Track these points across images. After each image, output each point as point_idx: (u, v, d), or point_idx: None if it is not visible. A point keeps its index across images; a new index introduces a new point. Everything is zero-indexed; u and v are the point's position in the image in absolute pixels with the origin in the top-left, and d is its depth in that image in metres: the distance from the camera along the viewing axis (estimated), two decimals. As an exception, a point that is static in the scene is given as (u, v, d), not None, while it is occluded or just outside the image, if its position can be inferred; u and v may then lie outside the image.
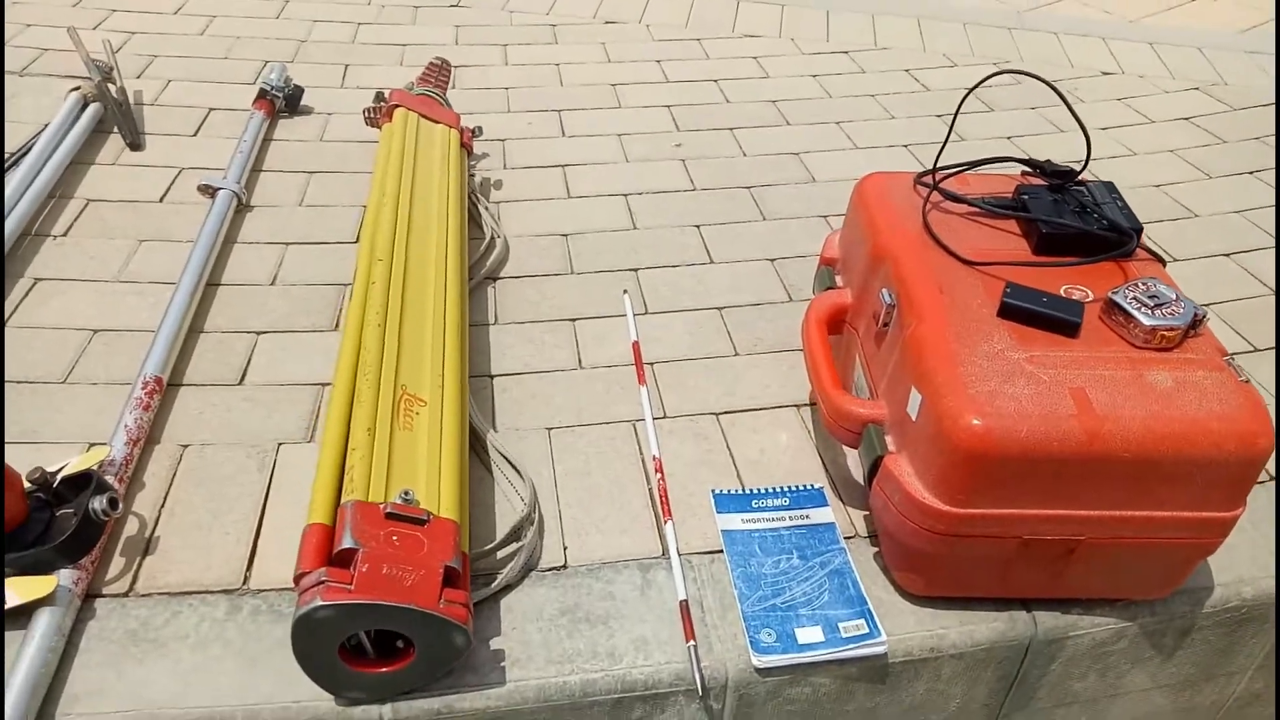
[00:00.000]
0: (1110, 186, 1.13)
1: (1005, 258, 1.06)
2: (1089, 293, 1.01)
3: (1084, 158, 1.09)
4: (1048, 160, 1.17)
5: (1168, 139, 2.05)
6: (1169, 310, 0.95)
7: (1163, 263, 1.08)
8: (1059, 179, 1.14)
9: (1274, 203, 1.82)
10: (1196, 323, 0.95)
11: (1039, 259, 1.06)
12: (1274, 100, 2.24)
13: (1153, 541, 0.95)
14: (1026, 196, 1.12)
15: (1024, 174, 1.20)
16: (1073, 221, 1.07)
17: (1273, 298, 1.56)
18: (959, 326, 0.96)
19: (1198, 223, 1.76)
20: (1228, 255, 1.67)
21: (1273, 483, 1.22)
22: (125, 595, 1.01)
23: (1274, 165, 1.95)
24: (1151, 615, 1.07)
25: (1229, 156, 1.99)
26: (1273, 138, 2.07)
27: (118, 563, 1.04)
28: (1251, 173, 1.93)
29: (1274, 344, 1.45)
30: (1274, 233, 1.73)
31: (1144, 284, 0.98)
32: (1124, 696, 1.17)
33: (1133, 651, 1.10)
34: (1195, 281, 1.58)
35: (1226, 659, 1.17)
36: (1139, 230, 1.07)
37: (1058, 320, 0.96)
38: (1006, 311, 0.97)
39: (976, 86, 1.21)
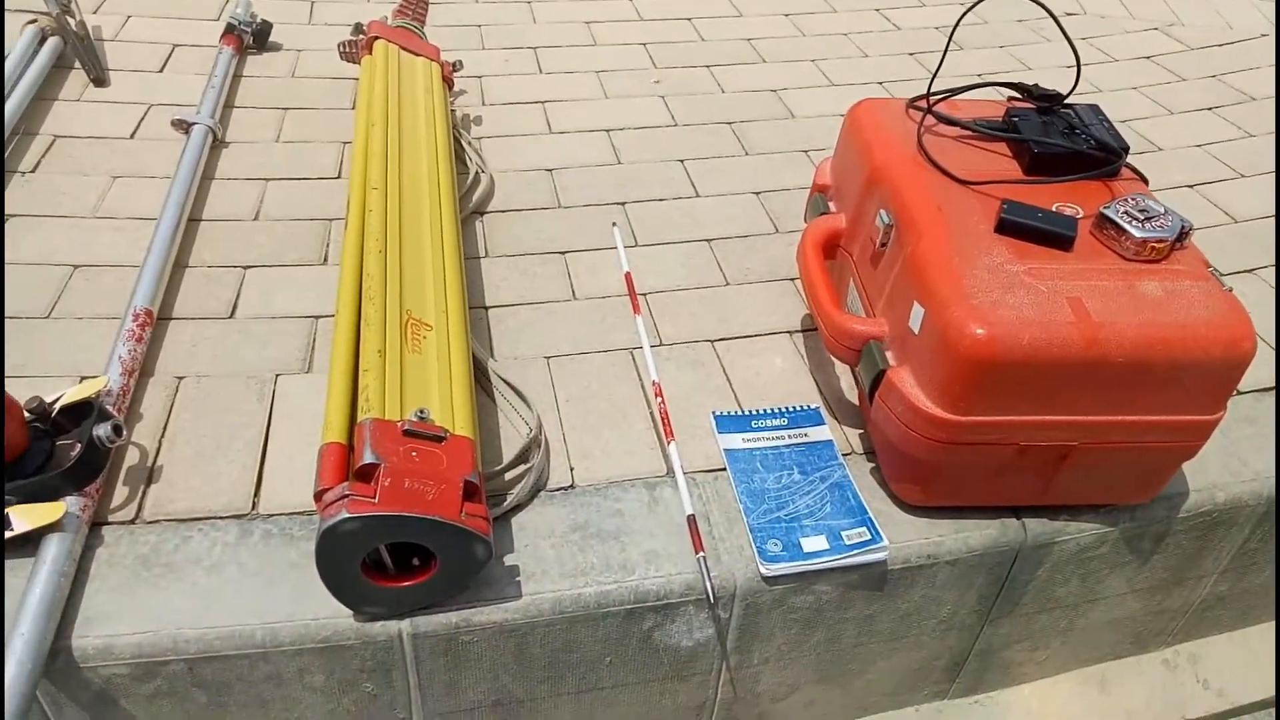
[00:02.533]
0: (1096, 109, 1.16)
1: (999, 177, 1.09)
2: (1079, 210, 1.04)
3: (1069, 84, 1.12)
4: (1035, 84, 1.20)
5: (1131, 77, 2.10)
6: (1158, 223, 0.98)
7: (1146, 181, 1.12)
8: (1047, 102, 1.16)
9: (1250, 136, 1.89)
10: (1183, 235, 0.99)
11: (1031, 177, 1.09)
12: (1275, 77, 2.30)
13: (1141, 445, 0.99)
14: (1016, 119, 1.15)
15: (1011, 99, 1.23)
16: (1062, 141, 1.10)
17: (1235, 226, 1.62)
18: (959, 243, 0.99)
19: (1162, 156, 1.81)
20: (1191, 186, 1.72)
21: (1245, 395, 1.28)
22: (132, 522, 1.00)
23: (1273, 131, 2.01)
24: (1132, 520, 1.13)
25: (1189, 93, 2.04)
26: (1228, 75, 2.13)
27: (121, 492, 1.03)
28: (1210, 109, 1.99)
29: (1251, 267, 1.51)
30: (1275, 191, 1.79)
31: (1133, 199, 1.02)
32: (1101, 601, 1.23)
33: (1113, 556, 1.16)
34: (1163, 212, 1.63)
35: (1196, 563, 1.23)
36: (1126, 149, 1.10)
37: (1053, 234, 0.99)
38: (1004, 227, 1.00)
39: (970, 9, 1.23)
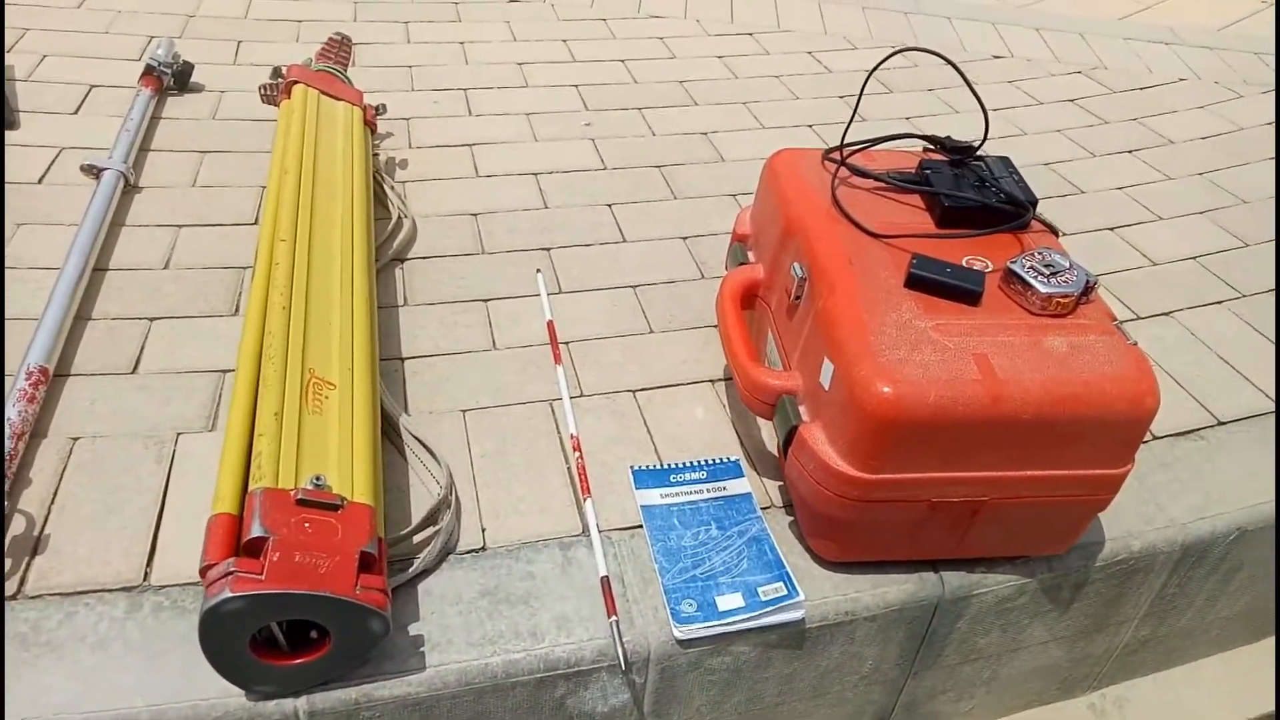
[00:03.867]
0: (1006, 161, 1.18)
1: (910, 230, 1.09)
2: (989, 263, 1.05)
3: (980, 136, 1.13)
4: (948, 136, 1.21)
5: (1055, 119, 2.15)
6: (1063, 278, 0.99)
7: (1056, 234, 1.13)
8: (959, 154, 1.17)
9: (1168, 179, 1.93)
10: (1088, 290, 1.00)
11: (942, 231, 1.09)
12: (1274, 89, 2.35)
13: (1051, 499, 0.99)
14: (929, 171, 1.15)
15: (925, 150, 1.24)
16: (972, 195, 1.11)
17: (1153, 268, 1.65)
18: (868, 297, 0.99)
19: (1083, 199, 1.85)
20: (1111, 229, 1.75)
21: (1161, 439, 1.29)
22: (13, 598, 0.95)
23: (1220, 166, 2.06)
24: (1049, 571, 1.12)
25: (1111, 136, 2.09)
26: (1149, 118, 2.18)
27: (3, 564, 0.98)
28: (1130, 151, 2.04)
29: (1168, 310, 1.54)
30: (1275, 210, 1.83)
31: (1040, 253, 1.02)
32: (1024, 650, 1.22)
33: (1032, 606, 1.15)
34: (1083, 254, 1.64)
35: (1116, 609, 1.24)
36: (1034, 203, 1.11)
37: (961, 290, 0.99)
38: (913, 282, 1.00)
39: (881, 63, 1.24)
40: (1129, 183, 1.91)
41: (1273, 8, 2.88)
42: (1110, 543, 1.15)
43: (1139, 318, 1.53)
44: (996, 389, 0.90)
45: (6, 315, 1.27)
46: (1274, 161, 2.02)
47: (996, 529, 1.02)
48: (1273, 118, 2.21)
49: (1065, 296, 0.98)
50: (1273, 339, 1.49)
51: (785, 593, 1.02)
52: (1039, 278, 0.99)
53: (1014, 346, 0.94)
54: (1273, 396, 1.38)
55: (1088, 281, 1.00)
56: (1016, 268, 1.00)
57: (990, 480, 0.96)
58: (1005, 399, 0.90)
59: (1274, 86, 2.33)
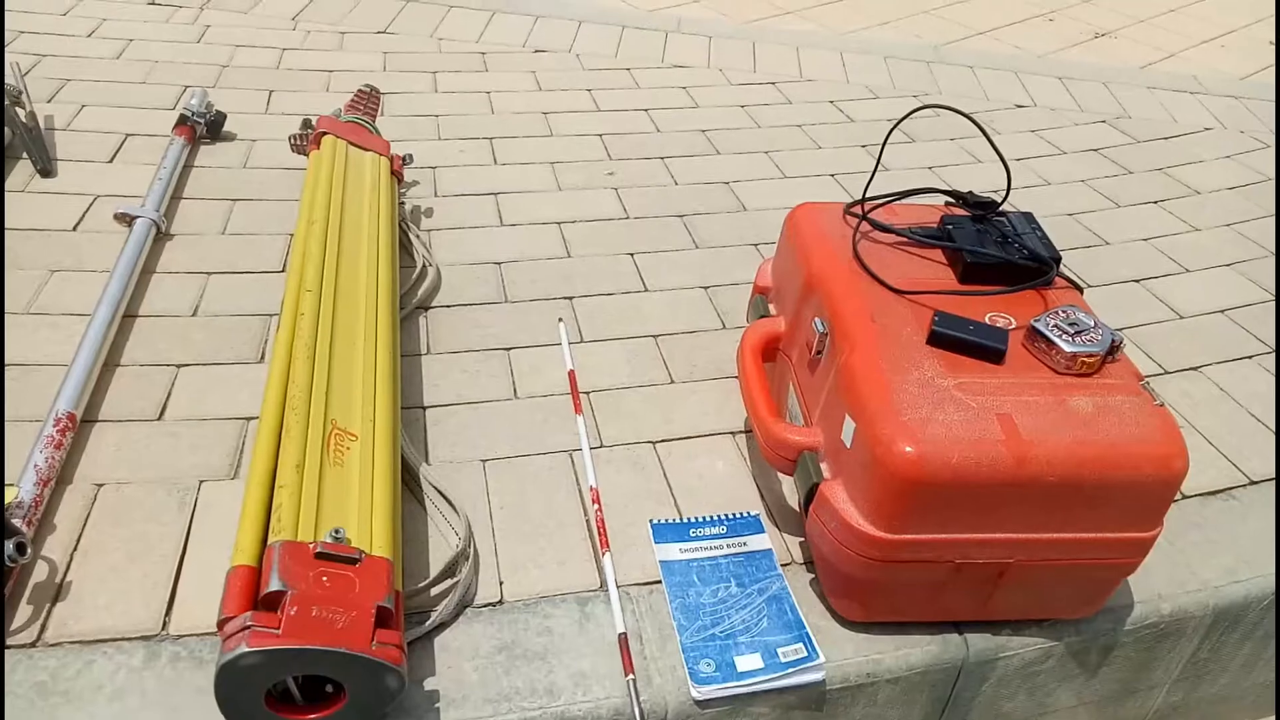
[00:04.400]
0: (1029, 217, 1.17)
1: (932, 286, 1.09)
2: (1012, 320, 1.04)
3: (1003, 188, 1.13)
4: (970, 191, 1.21)
5: (1079, 169, 2.14)
6: (1088, 337, 0.98)
7: (1080, 290, 1.12)
8: (981, 210, 1.17)
9: (1195, 230, 1.92)
10: (1114, 349, 0.99)
11: (964, 288, 1.09)
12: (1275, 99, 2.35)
13: (1077, 562, 0.97)
14: (951, 226, 1.15)
15: (948, 204, 1.24)
16: (995, 251, 1.10)
17: (1179, 322, 1.63)
18: (890, 354, 0.98)
19: (1109, 250, 1.84)
20: (1138, 281, 1.74)
21: (1190, 499, 1.27)
22: (33, 645, 0.95)
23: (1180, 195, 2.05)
24: (1077, 634, 1.10)
25: (1136, 186, 2.09)
26: (1174, 168, 2.18)
27: (25, 610, 0.98)
28: (1156, 202, 2.03)
29: (1191, 363, 1.52)
30: (1275, 246, 1.81)
31: (1064, 311, 1.01)
32: (1051, 715, 1.19)
33: (1059, 670, 1.13)
34: (1108, 307, 1.65)
35: (1146, 673, 1.20)
36: (1058, 259, 1.11)
37: (984, 348, 0.98)
38: (936, 340, 0.99)
39: (902, 120, 1.25)
40: (1155, 234, 1.90)
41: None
42: (1139, 605, 1.12)
43: (1166, 372, 1.51)
44: (1021, 450, 0.89)
45: (39, 361, 1.29)
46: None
47: (1023, 591, 1.01)
48: (1300, 169, 2.20)
49: (1090, 356, 0.97)
50: (1305, 395, 1.47)
51: (805, 654, 1.00)
52: (1064, 336, 0.98)
53: (1039, 407, 0.93)
54: (1306, 454, 1.35)
55: (1113, 340, 0.99)
56: (1041, 326, 1.00)
57: (1016, 542, 0.94)
58: (1030, 460, 0.89)
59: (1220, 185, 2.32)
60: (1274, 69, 2.82)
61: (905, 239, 1.17)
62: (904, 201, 1.23)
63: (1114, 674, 1.17)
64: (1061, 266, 1.12)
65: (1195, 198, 2.05)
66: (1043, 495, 0.91)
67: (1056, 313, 1.02)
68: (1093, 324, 1.00)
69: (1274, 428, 1.40)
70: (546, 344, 1.45)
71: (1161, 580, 1.15)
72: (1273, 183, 2.13)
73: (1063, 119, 2.40)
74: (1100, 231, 1.89)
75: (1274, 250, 1.86)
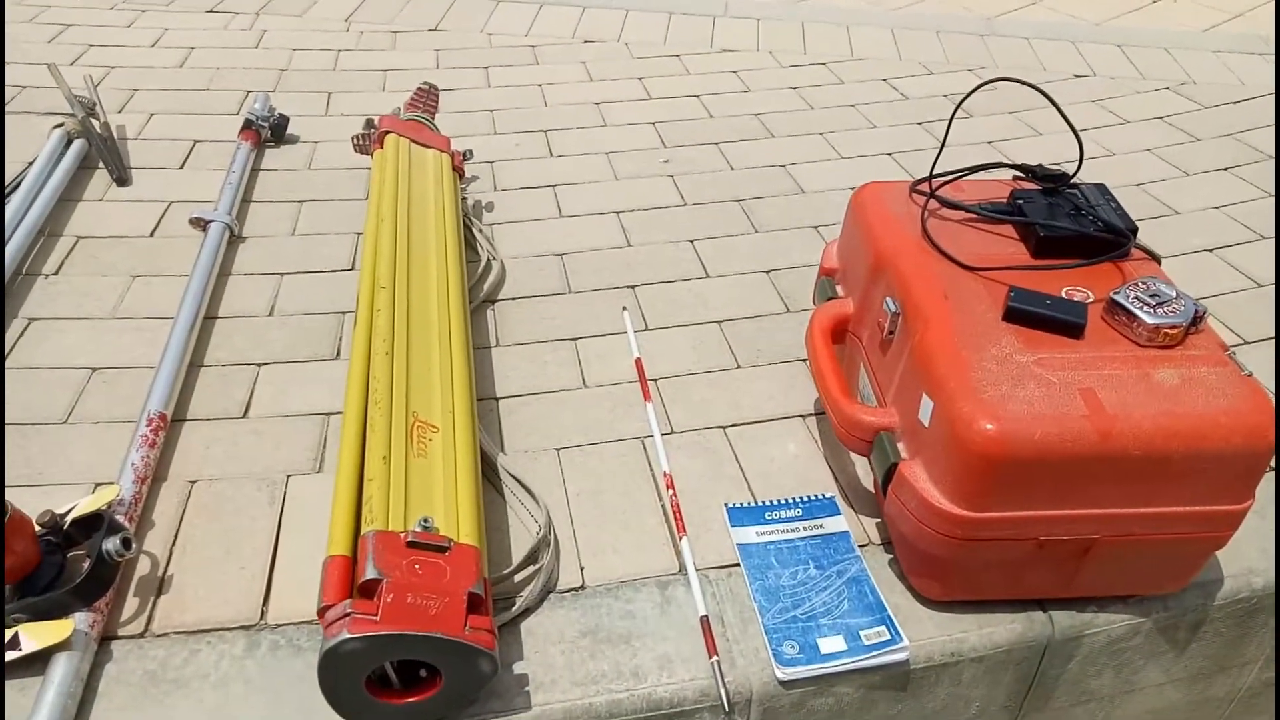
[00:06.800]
0: (1103, 188, 1.15)
1: (1005, 262, 1.07)
2: (1090, 294, 1.03)
3: (1067, 160, 1.11)
4: (1039, 164, 1.19)
5: (1144, 138, 2.09)
6: (1170, 308, 0.96)
7: (1158, 261, 1.10)
8: (1052, 183, 1.16)
9: (1270, 196, 1.86)
10: (1197, 319, 0.97)
11: (1038, 262, 1.07)
12: (1275, 91, 2.28)
13: (1165, 537, 0.96)
14: (1021, 201, 1.14)
15: (1016, 179, 1.22)
16: (1069, 224, 1.09)
17: (1258, 290, 1.59)
18: (966, 332, 0.98)
19: (1179, 220, 1.79)
20: (1210, 250, 1.70)
21: (1273, 474, 1.24)
22: (141, 636, 1.00)
23: (1258, 159, 1.99)
24: (1165, 610, 1.08)
25: (1204, 153, 2.03)
26: (1244, 133, 2.11)
27: (132, 603, 1.03)
28: (1226, 169, 1.97)
29: (1274, 334, 1.48)
30: (1275, 229, 1.76)
31: (1144, 283, 1.00)
32: (1139, 692, 1.18)
33: (1147, 647, 1.11)
34: (1181, 277, 1.59)
35: (1238, 650, 1.18)
36: (1134, 230, 1.09)
37: (1063, 322, 0.97)
38: (1012, 315, 0.98)
39: (969, 95, 1.23)
40: (1227, 201, 1.85)
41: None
42: (1230, 580, 1.10)
43: (1245, 342, 1.47)
44: (1106, 425, 0.88)
45: (126, 364, 1.34)
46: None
47: (1108, 567, 0.99)
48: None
49: (1174, 327, 0.95)
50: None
51: (888, 637, 1.00)
52: (1144, 308, 0.97)
53: (1121, 380, 0.92)
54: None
55: (1196, 311, 0.97)
56: (1120, 298, 0.98)
57: (1101, 518, 0.93)
58: (1115, 435, 0.88)
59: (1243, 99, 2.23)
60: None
61: (974, 215, 1.15)
62: (970, 177, 1.22)
63: (1204, 650, 1.15)
64: (1138, 238, 1.10)
65: (1267, 162, 1.99)
66: (1129, 470, 0.90)
67: (1136, 284, 1.00)
68: (1174, 295, 0.98)
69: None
70: (612, 333, 1.46)
71: (1253, 554, 1.13)
72: (1350, 143, 2.06)
73: (1124, 87, 2.34)
74: (1170, 201, 1.85)
75: (1354, 213, 1.80)
